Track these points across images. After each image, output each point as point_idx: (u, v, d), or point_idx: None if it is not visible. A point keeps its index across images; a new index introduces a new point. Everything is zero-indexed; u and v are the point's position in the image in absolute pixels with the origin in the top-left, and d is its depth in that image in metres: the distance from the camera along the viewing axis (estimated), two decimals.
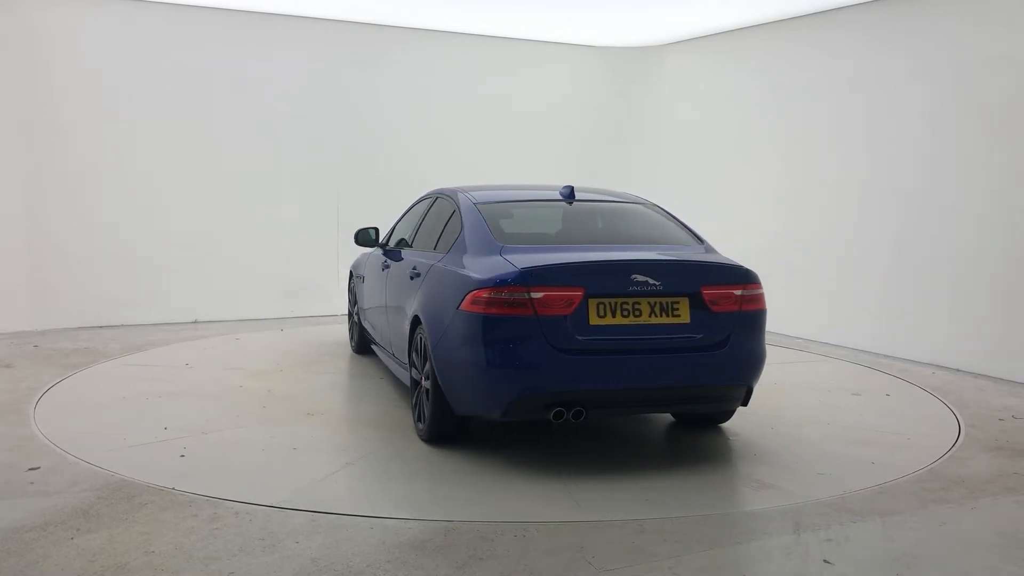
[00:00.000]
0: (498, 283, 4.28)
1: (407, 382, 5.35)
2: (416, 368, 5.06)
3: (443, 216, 5.48)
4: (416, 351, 5.06)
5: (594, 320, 4.27)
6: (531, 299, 4.21)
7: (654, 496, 4.11)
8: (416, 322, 5.04)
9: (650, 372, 4.36)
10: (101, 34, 8.49)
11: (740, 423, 5.27)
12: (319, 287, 9.50)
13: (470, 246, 4.80)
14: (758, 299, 4.61)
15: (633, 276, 4.34)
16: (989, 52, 6.87)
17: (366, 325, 6.95)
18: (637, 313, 4.33)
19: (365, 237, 6.70)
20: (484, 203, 5.16)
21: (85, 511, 3.78)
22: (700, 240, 5.09)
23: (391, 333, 5.86)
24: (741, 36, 9.28)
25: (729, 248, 5.74)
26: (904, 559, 3.41)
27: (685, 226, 5.26)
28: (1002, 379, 6.68)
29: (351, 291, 7.65)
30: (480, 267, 4.52)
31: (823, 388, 6.40)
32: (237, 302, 9.12)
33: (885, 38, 7.72)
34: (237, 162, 9.10)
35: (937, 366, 7.15)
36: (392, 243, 6.41)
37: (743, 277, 4.58)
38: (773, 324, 8.23)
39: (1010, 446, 4.96)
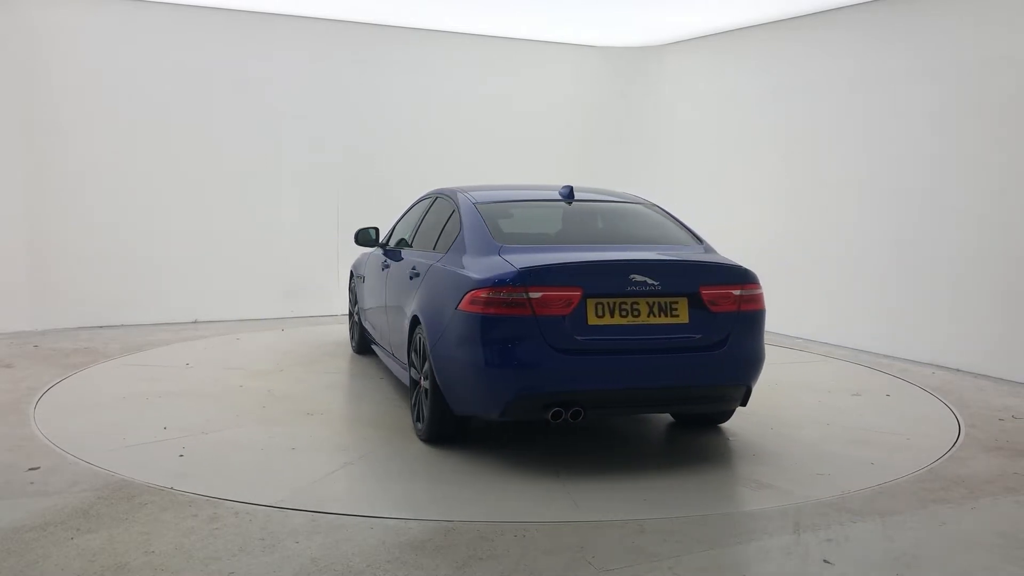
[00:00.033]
0: (496, 283, 4.28)
1: (407, 382, 5.35)
2: (415, 368, 5.06)
3: (443, 216, 5.48)
4: (415, 351, 5.06)
5: (592, 320, 4.27)
6: (529, 299, 4.21)
7: (653, 496, 4.11)
8: (415, 322, 5.04)
9: (649, 372, 4.36)
10: (101, 34, 8.49)
11: (739, 423, 5.27)
12: (319, 287, 9.50)
13: (469, 246, 4.80)
14: (757, 299, 4.61)
15: (631, 276, 4.34)
16: (989, 52, 6.87)
17: (366, 325, 6.95)
18: (636, 313, 4.33)
19: (365, 237, 6.71)
20: (483, 203, 5.16)
21: (85, 511, 3.78)
22: (699, 240, 5.09)
23: (391, 333, 5.86)
24: (741, 36, 9.28)
25: (729, 248, 5.74)
26: (904, 559, 3.41)
27: (684, 226, 5.26)
28: (1002, 379, 6.68)
29: (351, 291, 7.66)
30: (479, 267, 4.52)
31: (823, 388, 6.40)
32: (237, 302, 9.12)
33: (885, 38, 7.72)
34: (237, 162, 9.11)
35: (937, 366, 7.15)
36: (392, 243, 6.41)
37: (742, 277, 4.58)
38: (773, 324, 8.24)
39: (1010, 446, 4.96)
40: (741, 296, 4.52)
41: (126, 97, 8.60)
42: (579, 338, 4.24)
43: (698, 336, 4.40)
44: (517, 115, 10.27)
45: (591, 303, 4.27)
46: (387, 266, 6.14)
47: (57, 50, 8.30)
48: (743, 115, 9.31)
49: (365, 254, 7.32)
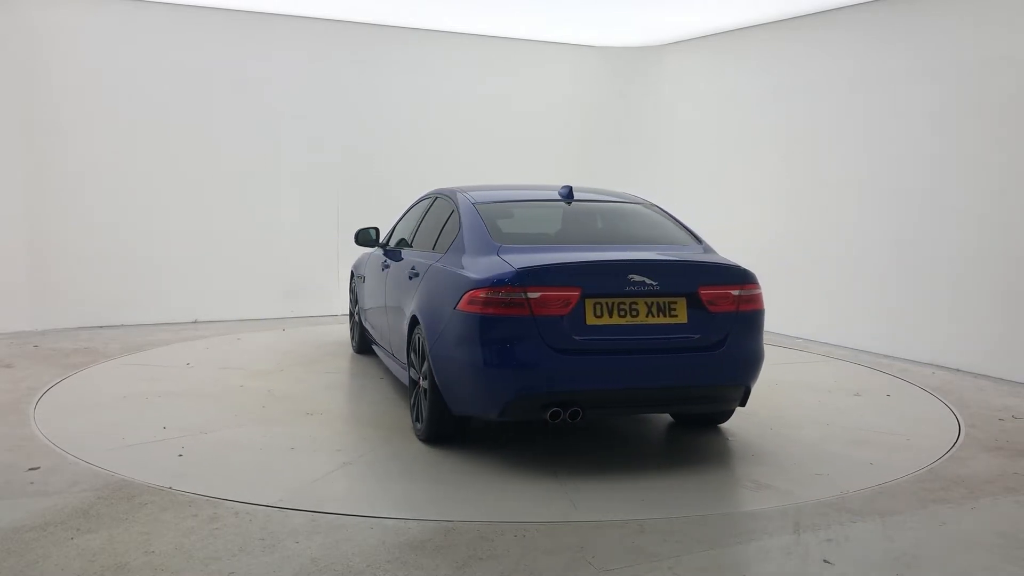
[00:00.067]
0: (495, 283, 4.28)
1: (406, 382, 5.35)
2: (414, 368, 5.06)
3: (442, 216, 5.48)
4: (414, 351, 5.06)
5: (591, 320, 4.26)
6: (527, 299, 4.21)
7: (653, 496, 4.11)
8: (414, 322, 5.04)
9: (647, 372, 4.35)
10: (101, 34, 8.49)
11: (739, 423, 5.27)
12: (319, 287, 9.50)
13: (468, 246, 4.80)
14: (756, 299, 4.60)
15: (630, 276, 4.33)
16: (989, 52, 6.87)
17: (367, 325, 6.95)
18: (634, 313, 4.33)
19: (365, 237, 6.71)
20: (482, 203, 5.16)
21: (85, 511, 3.78)
22: (698, 240, 5.08)
23: (390, 333, 5.86)
24: (741, 36, 9.28)
25: (729, 248, 5.74)
26: (904, 559, 3.41)
27: (683, 226, 5.26)
28: (1002, 379, 6.68)
29: (352, 291, 7.66)
30: (477, 267, 4.52)
31: (823, 388, 6.40)
32: (237, 302, 9.12)
33: (885, 38, 7.72)
34: (237, 162, 9.11)
35: (937, 366, 7.15)
36: (392, 243, 6.41)
37: (740, 277, 4.58)
38: (773, 324, 8.26)
39: (1010, 446, 4.96)
40: (740, 296, 4.51)
41: (126, 97, 8.60)
42: (577, 338, 4.24)
43: (697, 336, 4.40)
44: (516, 115, 10.27)
45: (590, 303, 4.27)
46: (387, 266, 6.14)
47: (57, 50, 8.30)
48: (743, 115, 9.31)
49: (366, 254, 7.32)
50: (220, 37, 8.93)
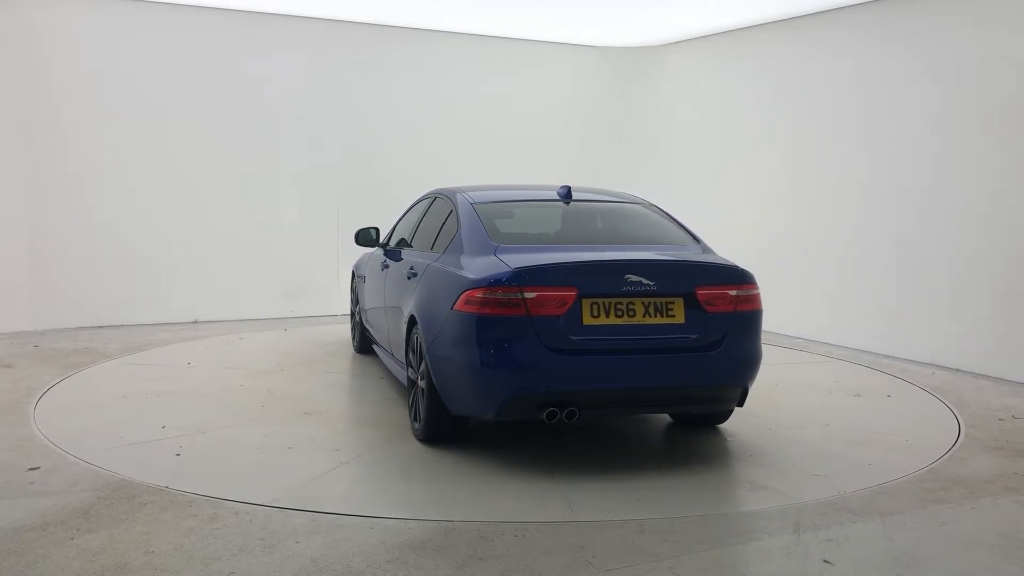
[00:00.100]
0: (492, 283, 4.28)
1: (405, 382, 5.35)
2: (412, 368, 5.06)
3: (441, 216, 5.48)
4: (412, 351, 5.06)
5: (588, 320, 4.26)
6: (524, 299, 4.21)
7: (652, 496, 4.11)
8: (412, 322, 5.04)
9: (644, 372, 4.35)
10: (101, 34, 8.49)
11: (738, 424, 5.27)
12: (319, 287, 9.50)
13: (466, 246, 4.80)
14: (753, 299, 4.60)
15: (627, 276, 4.33)
16: (989, 52, 6.87)
17: (367, 325, 6.96)
18: (631, 313, 4.32)
19: (366, 237, 6.71)
20: (481, 203, 5.16)
21: (85, 511, 3.78)
22: (697, 240, 5.08)
23: (389, 333, 5.86)
24: (741, 36, 9.28)
25: (729, 248, 5.74)
26: (904, 559, 3.41)
27: (682, 226, 5.25)
28: (1002, 379, 6.68)
29: (353, 291, 7.66)
30: (474, 267, 4.52)
31: (822, 388, 6.40)
32: (237, 302, 9.12)
33: (885, 38, 7.72)
34: (237, 162, 9.11)
35: (937, 366, 7.15)
36: (393, 243, 6.42)
37: (738, 277, 4.57)
38: (773, 324, 8.28)
39: (1010, 446, 4.96)
40: (737, 296, 4.51)
41: (126, 97, 8.60)
42: (574, 338, 4.24)
43: (694, 336, 4.39)
44: (516, 115, 10.27)
45: (586, 303, 4.27)
46: (387, 266, 6.14)
47: (57, 50, 8.29)
48: (743, 115, 9.31)
49: (366, 254, 7.33)
50: (220, 37, 8.93)
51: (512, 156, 10.11)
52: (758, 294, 4.64)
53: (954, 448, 4.91)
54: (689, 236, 5.11)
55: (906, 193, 7.53)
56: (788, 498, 4.07)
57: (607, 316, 4.29)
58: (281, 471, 4.38)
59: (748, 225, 9.07)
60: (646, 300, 4.35)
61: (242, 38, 9.02)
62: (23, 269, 8.25)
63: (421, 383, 4.83)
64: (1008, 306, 6.75)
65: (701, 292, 4.42)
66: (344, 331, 8.36)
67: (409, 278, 5.36)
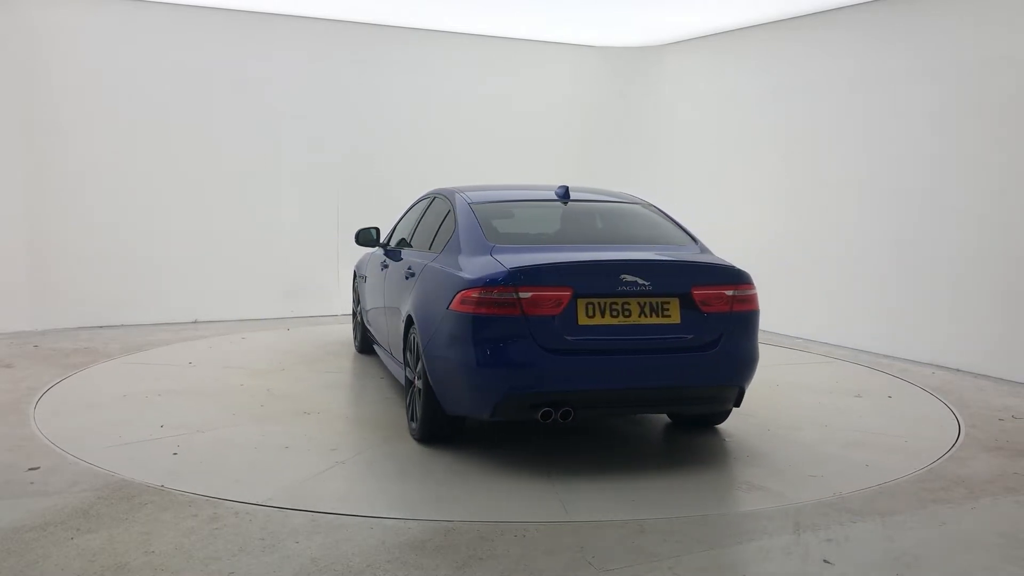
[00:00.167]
0: (487, 283, 4.28)
1: (403, 382, 5.35)
2: (410, 367, 5.06)
3: (440, 216, 5.48)
4: (410, 350, 5.06)
5: (583, 320, 4.26)
6: (519, 299, 4.21)
7: (650, 496, 4.10)
8: (409, 322, 5.04)
9: (640, 372, 4.34)
10: (101, 34, 8.49)
11: (737, 424, 5.26)
12: (319, 287, 9.50)
13: (463, 246, 4.80)
14: (750, 300, 4.59)
15: (622, 276, 4.32)
16: (989, 52, 6.87)
17: (368, 325, 6.96)
18: (627, 313, 4.32)
19: (366, 237, 6.71)
20: (478, 203, 5.17)
21: (85, 511, 3.78)
22: (695, 240, 5.07)
23: (388, 333, 5.87)
24: (741, 36, 9.28)
25: (729, 248, 5.74)
26: (904, 559, 3.41)
27: (680, 226, 5.24)
28: (1002, 379, 6.68)
29: (355, 291, 7.67)
30: (470, 267, 4.53)
31: (822, 389, 6.40)
32: (237, 302, 9.12)
33: (885, 38, 7.72)
34: (237, 162, 9.11)
35: (937, 366, 7.15)
36: (393, 243, 6.42)
37: (734, 277, 4.56)
38: (773, 324, 8.30)
39: (1010, 446, 4.96)
40: (734, 296, 4.50)
41: (126, 97, 8.60)
42: (569, 338, 4.23)
43: (690, 336, 4.39)
44: (516, 115, 10.26)
45: (581, 303, 4.26)
46: (386, 266, 6.15)
47: (57, 50, 8.29)
48: (743, 115, 9.31)
49: (368, 254, 7.33)
50: (220, 37, 8.93)
51: (512, 156, 10.11)
52: (755, 294, 4.63)
53: (954, 448, 4.91)
54: (687, 236, 5.11)
55: (906, 193, 7.53)
56: (785, 499, 4.07)
57: (602, 316, 4.28)
58: (277, 470, 4.38)
59: (748, 225, 9.07)
60: (642, 300, 4.34)
61: (242, 38, 9.02)
62: (23, 269, 8.25)
63: (418, 383, 4.83)
64: (1008, 306, 6.75)
65: (697, 292, 4.41)
66: (345, 331, 8.36)
67: (407, 278, 5.36)
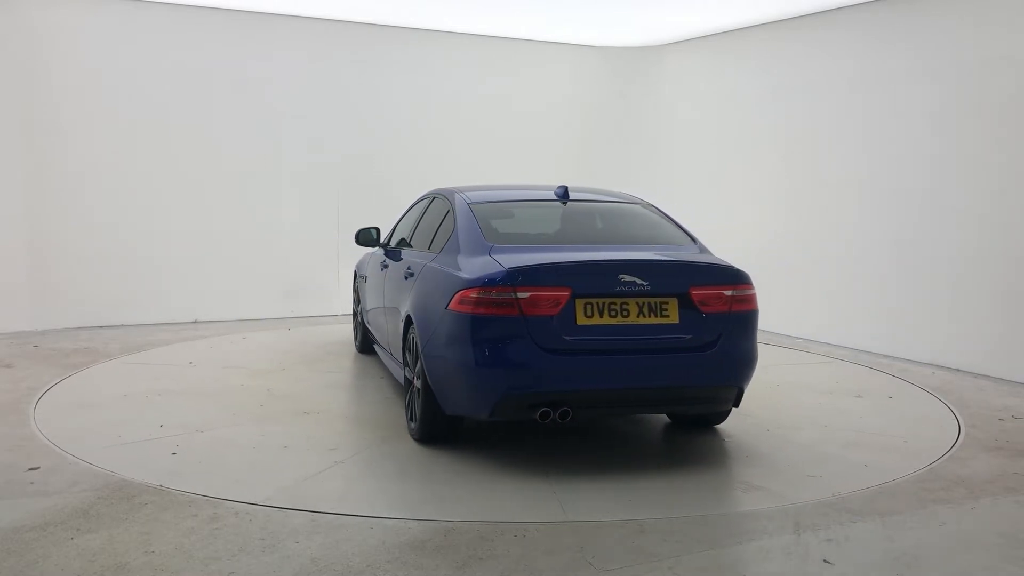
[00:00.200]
0: (485, 283, 4.28)
1: (403, 381, 5.35)
2: (409, 367, 5.06)
3: (439, 216, 5.49)
4: (409, 350, 5.06)
5: (581, 320, 4.25)
6: (517, 299, 4.20)
7: (650, 496, 4.10)
8: (408, 322, 5.05)
9: (638, 372, 4.34)
10: (101, 34, 8.49)
11: (736, 424, 5.26)
12: (319, 287, 9.50)
13: (462, 246, 4.80)
14: (749, 300, 4.58)
15: (620, 276, 4.32)
16: (989, 52, 6.87)
17: (368, 325, 6.96)
18: (625, 313, 4.31)
19: (366, 237, 6.71)
20: (477, 203, 5.17)
21: (85, 511, 3.78)
22: (694, 240, 5.06)
23: (388, 333, 5.87)
24: (741, 36, 9.28)
25: (729, 248, 5.74)
26: (904, 559, 3.41)
27: (679, 226, 5.24)
28: (1002, 379, 6.68)
29: (356, 291, 7.67)
30: (469, 267, 4.53)
31: (822, 389, 6.40)
32: (237, 302, 9.12)
33: (885, 38, 7.72)
34: (237, 162, 9.11)
35: (937, 366, 7.15)
36: (393, 243, 6.42)
37: (733, 277, 4.56)
38: (773, 324, 8.30)
39: (1010, 446, 4.96)
40: (733, 297, 4.49)
41: (126, 97, 8.60)
42: (567, 338, 4.23)
43: (688, 337, 4.38)
44: (516, 115, 10.27)
45: (580, 303, 4.26)
46: (386, 266, 6.15)
47: (57, 50, 8.30)
48: (743, 115, 9.31)
49: (368, 254, 7.33)
50: (220, 37, 8.93)
51: (512, 156, 10.11)
52: (754, 294, 4.62)
53: (954, 448, 4.91)
54: (686, 236, 5.10)
55: (906, 193, 7.53)
56: (785, 499, 4.06)
57: (601, 316, 4.28)
58: (277, 470, 4.38)
59: (748, 225, 9.07)
60: (640, 300, 4.34)
61: (242, 38, 9.02)
62: (23, 269, 8.25)
63: (417, 383, 4.83)
64: (1008, 306, 6.75)
65: (696, 292, 4.41)
66: (346, 331, 8.36)
67: (406, 278, 5.37)
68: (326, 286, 9.50)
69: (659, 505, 3.99)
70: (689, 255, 4.83)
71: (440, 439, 4.81)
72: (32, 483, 4.15)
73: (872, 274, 7.83)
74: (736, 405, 4.70)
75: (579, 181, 6.50)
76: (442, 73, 9.88)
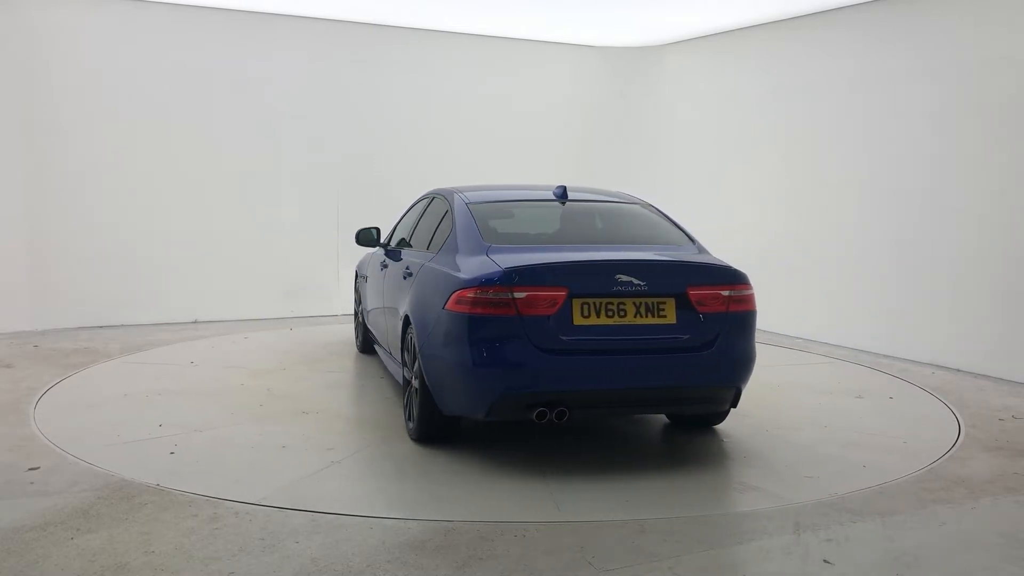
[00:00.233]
0: (482, 283, 4.28)
1: (401, 381, 5.36)
2: (407, 367, 5.07)
3: (438, 216, 5.49)
4: (407, 350, 5.07)
5: (578, 320, 4.25)
6: (514, 299, 4.20)
7: (649, 497, 4.10)
8: (407, 322, 5.05)
9: (635, 373, 4.33)
10: (101, 34, 8.49)
11: (736, 425, 5.26)
12: (319, 287, 9.50)
13: (460, 246, 4.80)
14: (747, 300, 4.57)
15: (617, 276, 4.31)
16: (989, 52, 6.87)
17: (369, 325, 6.96)
18: (622, 313, 4.31)
19: (367, 237, 6.71)
20: (476, 203, 5.17)
21: (85, 511, 3.78)
22: (692, 240, 5.06)
23: (387, 333, 5.87)
24: (741, 36, 9.28)
25: (729, 248, 5.74)
26: (904, 559, 3.41)
27: (678, 226, 5.23)
28: (1002, 379, 6.68)
29: (357, 291, 7.67)
30: (466, 267, 4.53)
31: (822, 389, 6.40)
32: (237, 302, 9.12)
33: (885, 38, 7.72)
34: (237, 162, 9.11)
35: (937, 366, 7.15)
36: (393, 243, 6.42)
37: (731, 278, 4.55)
38: (773, 324, 8.31)
39: (1010, 446, 4.96)
40: (730, 297, 4.49)
41: (126, 97, 8.60)
42: (564, 338, 4.23)
43: (685, 337, 4.37)
44: (516, 115, 10.27)
45: (577, 303, 4.26)
46: (386, 266, 6.15)
47: (57, 50, 8.29)
48: (743, 115, 9.31)
49: (369, 254, 7.34)
50: (220, 37, 8.93)
51: (512, 156, 10.11)
52: (751, 294, 4.61)
53: (954, 448, 4.91)
54: (685, 236, 5.09)
55: (906, 193, 7.53)
56: (785, 499, 4.06)
57: (598, 316, 4.28)
58: (277, 470, 4.38)
59: (748, 225, 9.07)
60: (637, 300, 4.33)
61: (242, 38, 9.02)
62: (23, 269, 8.25)
63: (415, 383, 4.83)
64: (1008, 306, 6.75)
65: (693, 292, 4.40)
66: (346, 331, 8.36)
67: (405, 278, 5.37)
68: (326, 286, 9.50)
69: (659, 505, 3.99)
70: (687, 255, 4.82)
71: (438, 439, 4.81)
72: (32, 483, 4.15)
73: (872, 274, 7.83)
74: (734, 405, 4.69)
75: (579, 181, 6.49)
76: (442, 73, 9.88)
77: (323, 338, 8.15)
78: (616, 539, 3.56)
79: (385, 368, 6.62)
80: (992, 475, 4.45)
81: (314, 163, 9.45)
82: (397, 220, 6.74)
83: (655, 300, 4.35)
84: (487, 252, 4.58)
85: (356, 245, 6.89)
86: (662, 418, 5.44)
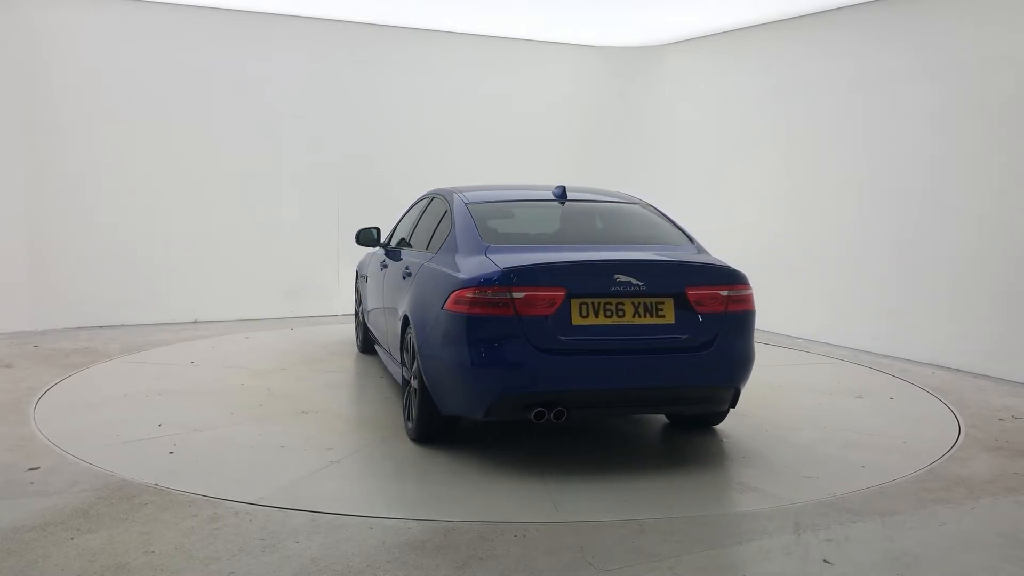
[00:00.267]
0: (481, 283, 4.28)
1: (401, 381, 5.36)
2: (406, 367, 5.07)
3: (437, 216, 5.49)
4: (406, 350, 5.07)
5: (576, 320, 4.25)
6: (512, 299, 4.20)
7: (649, 497, 4.10)
8: (406, 322, 5.05)
9: (633, 373, 4.33)
10: (101, 34, 8.49)
11: (736, 425, 5.25)
12: (319, 287, 9.50)
13: (459, 246, 4.80)
14: (745, 300, 4.57)
15: (616, 276, 4.31)
16: (989, 52, 6.87)
17: (369, 325, 6.96)
18: (620, 313, 4.31)
19: (367, 237, 6.71)
20: (475, 203, 5.17)
21: (85, 511, 3.78)
22: (691, 240, 5.06)
23: (387, 333, 5.87)
24: (741, 36, 9.28)
25: (729, 248, 5.74)
26: (904, 559, 3.41)
27: (677, 226, 5.23)
28: (1002, 379, 6.68)
29: (357, 291, 7.67)
30: (465, 267, 4.53)
31: (822, 389, 6.40)
32: (237, 302, 9.12)
33: (885, 38, 7.72)
34: (237, 162, 9.11)
35: (937, 366, 7.15)
36: (393, 243, 6.42)
37: (729, 278, 4.54)
38: (773, 324, 8.31)
39: (1010, 446, 4.96)
40: (729, 297, 4.48)
41: (126, 97, 8.60)
42: (563, 338, 4.23)
43: (684, 337, 4.37)
44: (516, 115, 10.27)
45: (575, 303, 4.26)
46: (385, 266, 6.16)
47: (57, 50, 8.29)
48: (743, 115, 9.31)
49: (369, 254, 7.34)
50: (220, 37, 8.93)
51: (512, 156, 10.11)
52: (750, 295, 4.61)
53: (954, 448, 4.91)
54: (684, 236, 5.09)
55: (906, 193, 7.53)
56: (785, 499, 4.06)
57: (596, 316, 4.28)
58: (277, 470, 4.38)
59: (748, 225, 9.06)
60: (636, 300, 4.33)
61: (242, 38, 9.02)
62: (23, 269, 8.25)
63: (414, 383, 4.83)
64: (1008, 306, 6.75)
65: (691, 292, 4.40)
66: (347, 331, 8.36)
67: (404, 278, 5.37)
68: (326, 286, 9.50)
69: (659, 505, 3.99)
70: (685, 255, 4.81)
71: (437, 439, 4.81)
72: (32, 483, 4.15)
73: (872, 274, 7.83)
74: (733, 406, 4.69)
75: (579, 181, 6.49)
76: (442, 73, 9.88)
77: (323, 338, 8.15)
78: (616, 539, 3.56)
79: (385, 368, 6.62)
80: (992, 475, 4.45)
81: (314, 163, 9.45)
82: (397, 220, 6.74)
83: (654, 300, 4.35)
84: (486, 252, 4.57)
85: (356, 245, 6.89)
86: (661, 418, 5.44)
